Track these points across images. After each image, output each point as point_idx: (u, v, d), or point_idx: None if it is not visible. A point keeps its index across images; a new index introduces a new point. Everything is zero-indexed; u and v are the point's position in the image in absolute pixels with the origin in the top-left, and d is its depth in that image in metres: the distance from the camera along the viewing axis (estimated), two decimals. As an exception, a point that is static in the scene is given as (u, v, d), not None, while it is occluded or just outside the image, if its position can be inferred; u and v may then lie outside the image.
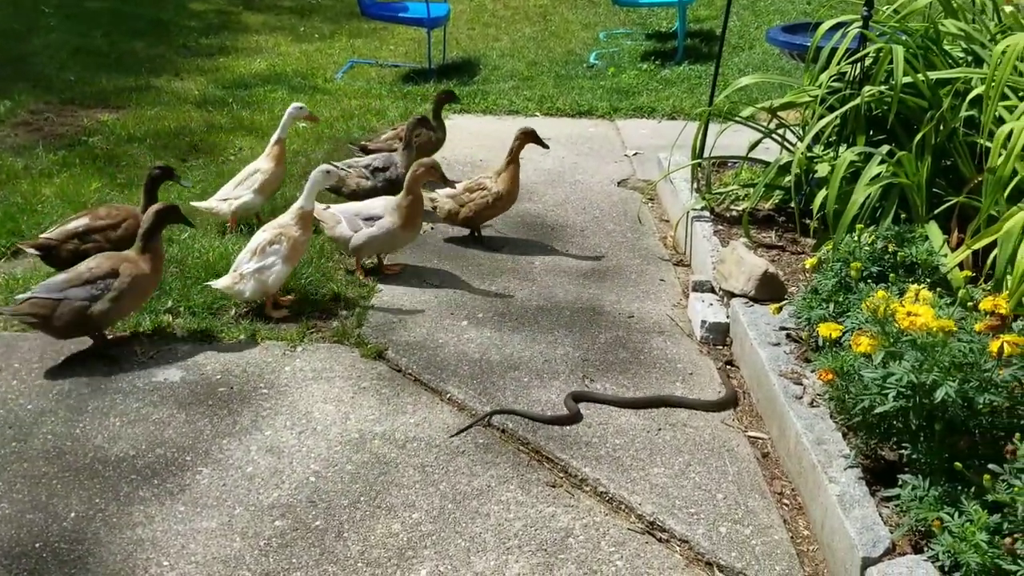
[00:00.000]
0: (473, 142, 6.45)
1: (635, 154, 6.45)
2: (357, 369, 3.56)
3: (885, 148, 3.66)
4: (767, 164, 4.77)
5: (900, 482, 2.48)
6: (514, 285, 4.30)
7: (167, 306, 3.91)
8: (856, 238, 3.38)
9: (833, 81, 4.21)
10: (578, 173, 5.97)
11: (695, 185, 4.86)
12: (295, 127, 6.13)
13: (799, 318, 3.38)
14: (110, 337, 3.66)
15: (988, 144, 3.66)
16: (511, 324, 3.92)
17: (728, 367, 3.66)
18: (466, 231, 4.84)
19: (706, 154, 5.30)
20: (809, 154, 4.20)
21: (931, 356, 2.31)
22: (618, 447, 3.10)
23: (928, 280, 3.25)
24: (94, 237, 3.95)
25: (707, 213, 4.62)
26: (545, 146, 4.88)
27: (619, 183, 5.85)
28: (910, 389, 2.31)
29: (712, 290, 4.06)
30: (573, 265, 4.55)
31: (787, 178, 4.53)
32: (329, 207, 4.28)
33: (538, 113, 7.46)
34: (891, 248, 3.36)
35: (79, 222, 3.98)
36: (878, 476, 2.67)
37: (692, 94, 7.91)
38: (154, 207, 3.60)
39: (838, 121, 4.16)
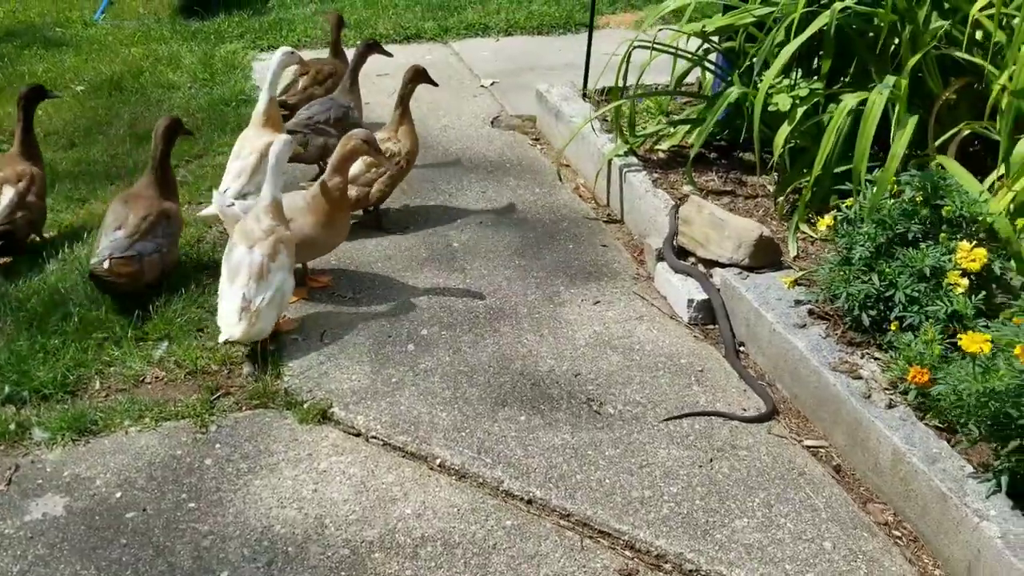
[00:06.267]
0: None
1: (492, 83, 5.69)
2: (303, 444, 2.71)
3: (891, 79, 3.16)
4: (697, 96, 4.20)
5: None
6: (443, 280, 3.52)
7: (3, 393, 2.83)
8: (888, 193, 2.89)
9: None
10: (441, 116, 5.14)
11: (609, 126, 4.20)
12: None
13: (834, 294, 2.87)
14: None
15: (970, 58, 3.27)
16: (468, 339, 3.17)
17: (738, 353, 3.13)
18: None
19: (596, 84, 4.68)
20: (760, 85, 3.64)
21: None
22: (680, 498, 2.50)
23: (970, 232, 2.83)
24: None
25: (635, 160, 4.00)
26: (435, 83, 4.07)
27: (492, 123, 5.09)
28: None
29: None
30: (497, 240, 3.81)
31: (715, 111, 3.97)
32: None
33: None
34: (919, 198, 2.90)
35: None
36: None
37: (521, 5, 7.15)
38: (160, 124, 3.32)
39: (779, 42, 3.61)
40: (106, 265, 3.09)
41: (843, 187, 3.22)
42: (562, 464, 2.61)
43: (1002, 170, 3.25)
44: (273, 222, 2.99)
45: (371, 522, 2.44)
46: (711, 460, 2.64)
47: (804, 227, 3.49)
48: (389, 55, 4.69)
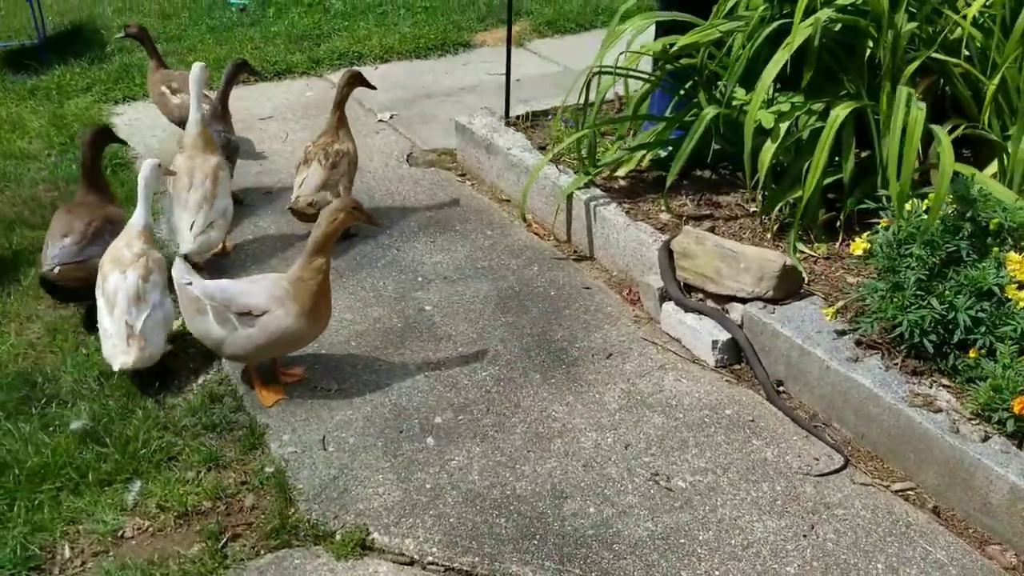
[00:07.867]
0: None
1: (391, 116, 5.27)
2: (353, 586, 2.26)
3: (905, 90, 3.02)
4: (647, 118, 3.95)
5: None
6: (432, 352, 3.12)
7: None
8: (919, 207, 2.75)
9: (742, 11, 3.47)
10: (350, 158, 4.69)
11: (554, 155, 3.92)
12: None
13: (890, 322, 2.69)
14: None
15: (963, 65, 3.21)
16: (490, 421, 2.80)
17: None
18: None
19: (511, 111, 4.40)
20: (735, 101, 3.46)
21: None
22: (802, 579, 2.24)
23: (1013, 243, 2.73)
24: None
25: (598, 191, 3.72)
26: (372, 86, 4.07)
27: (408, 161, 4.69)
28: None
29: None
30: (471, 297, 3.44)
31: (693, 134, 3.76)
32: (192, 281, 2.75)
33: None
34: (954, 212, 2.78)
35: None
36: None
37: (390, 29, 6.74)
38: (84, 135, 3.30)
39: (749, 56, 3.43)
40: (56, 271, 3.08)
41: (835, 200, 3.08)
42: (660, 561, 2.30)
43: (995, 167, 3.21)
44: (145, 246, 2.96)
45: (473, 676, 2.04)
46: (812, 527, 2.40)
47: (800, 246, 3.34)
48: (257, 73, 4.90)
